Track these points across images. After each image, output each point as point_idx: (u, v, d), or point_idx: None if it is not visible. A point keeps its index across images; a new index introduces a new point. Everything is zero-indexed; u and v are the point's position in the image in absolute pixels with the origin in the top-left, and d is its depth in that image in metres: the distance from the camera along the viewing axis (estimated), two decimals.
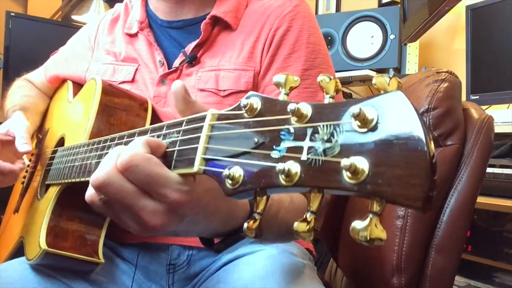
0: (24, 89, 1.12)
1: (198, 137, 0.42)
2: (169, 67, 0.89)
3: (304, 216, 0.34)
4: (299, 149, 0.34)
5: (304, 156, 0.34)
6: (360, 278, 0.94)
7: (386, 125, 0.30)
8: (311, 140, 0.34)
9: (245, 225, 0.39)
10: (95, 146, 0.64)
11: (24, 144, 0.86)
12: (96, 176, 0.45)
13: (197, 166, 0.41)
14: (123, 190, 0.44)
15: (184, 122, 0.46)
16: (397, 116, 0.29)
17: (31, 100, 1.08)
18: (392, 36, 2.17)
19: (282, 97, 0.39)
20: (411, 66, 2.22)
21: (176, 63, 0.88)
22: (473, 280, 1.63)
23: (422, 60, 2.26)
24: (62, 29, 2.35)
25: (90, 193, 0.49)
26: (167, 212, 0.44)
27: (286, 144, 0.35)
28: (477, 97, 1.84)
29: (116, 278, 0.84)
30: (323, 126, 0.33)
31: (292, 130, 0.35)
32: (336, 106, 0.33)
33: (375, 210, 0.30)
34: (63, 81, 1.10)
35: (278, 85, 0.39)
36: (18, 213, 1.00)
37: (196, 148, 0.42)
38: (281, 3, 0.87)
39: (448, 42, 2.31)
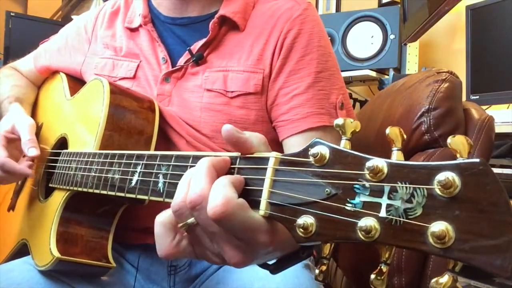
0: (12, 78, 1.09)
1: (262, 180, 0.43)
2: (173, 65, 0.87)
3: (379, 267, 0.36)
4: (376, 206, 0.35)
5: (383, 213, 0.35)
6: (360, 278, 0.94)
7: (470, 193, 0.31)
8: (389, 198, 0.35)
9: (317, 271, 0.40)
10: (117, 160, 0.63)
11: (31, 148, 0.84)
12: (193, 195, 0.43)
13: (263, 209, 0.42)
14: None
15: (239, 159, 0.46)
16: (481, 185, 0.31)
17: (22, 91, 1.05)
18: (392, 36, 2.17)
19: (343, 143, 0.39)
20: (411, 66, 2.22)
21: (181, 62, 0.87)
22: (473, 280, 1.63)
23: (422, 60, 2.26)
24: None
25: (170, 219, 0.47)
26: (252, 250, 0.44)
27: (361, 198, 0.36)
28: (477, 97, 1.84)
29: (122, 278, 0.84)
30: (403, 186, 0.34)
31: (367, 185, 0.36)
32: (415, 167, 0.34)
33: (455, 270, 0.33)
34: (53, 72, 1.08)
35: (338, 127, 0.40)
36: (13, 212, 0.99)
37: (260, 190, 0.42)
38: (290, 6, 0.86)
39: (448, 42, 2.31)
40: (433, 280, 0.33)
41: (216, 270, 0.82)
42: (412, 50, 2.23)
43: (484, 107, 1.66)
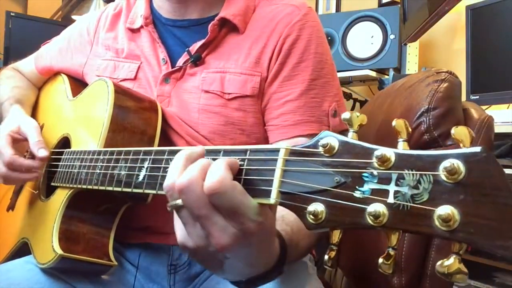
0: (13, 79, 1.09)
1: (272, 170, 0.44)
2: (173, 66, 0.88)
3: (387, 251, 0.38)
4: (384, 192, 0.37)
5: (391, 199, 0.36)
6: (360, 278, 0.94)
7: (474, 178, 0.33)
8: (396, 185, 0.36)
9: (326, 256, 0.41)
10: (124, 156, 0.64)
11: (41, 149, 0.84)
12: (181, 180, 0.44)
13: (274, 198, 0.43)
14: (202, 200, 0.44)
15: (249, 151, 0.47)
16: (484, 171, 0.33)
17: (22, 92, 1.06)
18: (392, 36, 2.17)
19: (351, 135, 0.41)
20: (411, 66, 2.21)
21: (180, 62, 0.87)
22: (473, 280, 1.63)
23: (422, 60, 2.26)
24: (62, 29, 2.35)
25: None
26: (237, 235, 0.45)
27: (370, 186, 0.38)
28: (477, 97, 1.84)
29: (122, 277, 0.84)
30: (410, 173, 0.36)
31: (375, 173, 0.38)
32: (421, 155, 0.36)
33: (459, 252, 0.35)
34: (54, 73, 1.08)
35: (345, 121, 0.42)
36: (13, 212, 0.99)
37: (271, 180, 0.44)
38: (290, 11, 0.86)
39: (448, 42, 2.31)
40: (439, 262, 0.34)
41: None
42: (412, 50, 2.22)
43: (484, 107, 1.67)
